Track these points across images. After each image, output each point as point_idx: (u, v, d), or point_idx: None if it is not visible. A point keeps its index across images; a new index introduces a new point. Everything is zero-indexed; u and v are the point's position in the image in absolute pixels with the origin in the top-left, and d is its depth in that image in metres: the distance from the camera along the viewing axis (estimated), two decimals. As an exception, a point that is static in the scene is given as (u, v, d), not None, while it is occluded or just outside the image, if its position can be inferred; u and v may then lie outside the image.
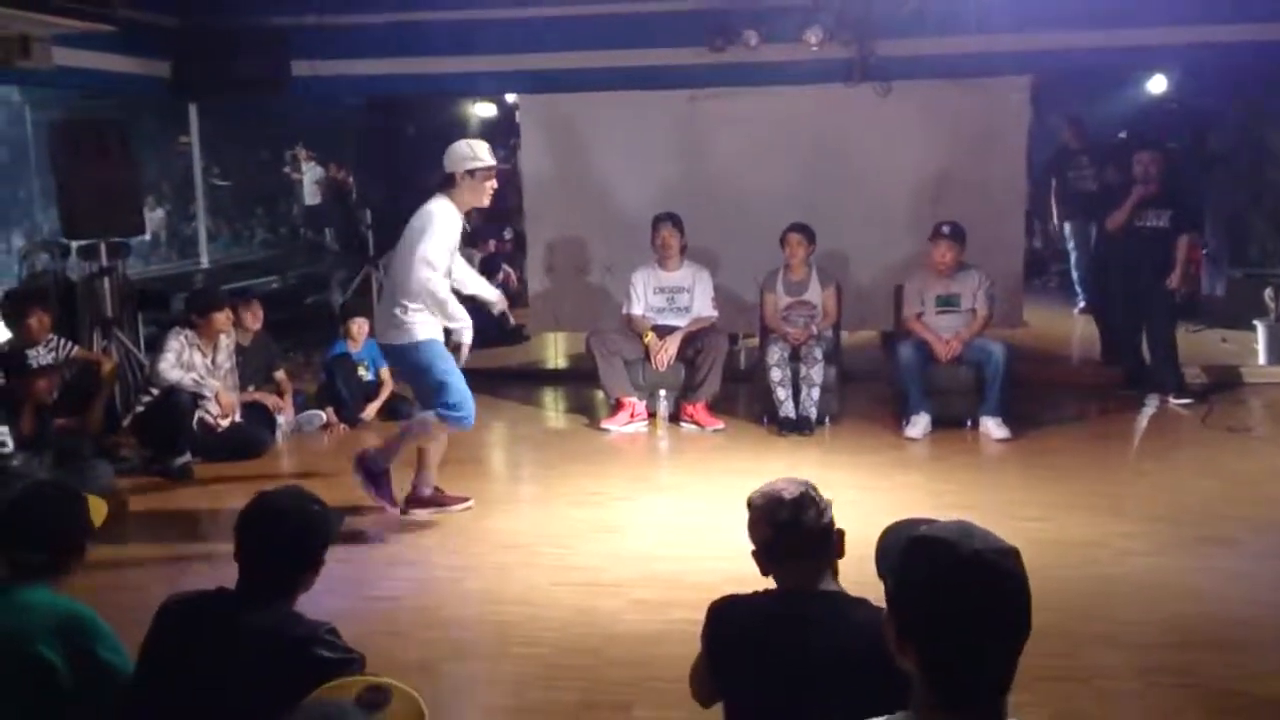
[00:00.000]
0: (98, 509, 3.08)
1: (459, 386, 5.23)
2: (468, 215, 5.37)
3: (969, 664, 1.62)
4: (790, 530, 2.46)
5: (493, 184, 5.26)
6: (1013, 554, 1.64)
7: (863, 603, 2.44)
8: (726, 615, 2.52)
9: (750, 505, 2.56)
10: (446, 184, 5.20)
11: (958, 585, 1.62)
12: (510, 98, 10.57)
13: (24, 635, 2.64)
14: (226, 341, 6.76)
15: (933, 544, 1.67)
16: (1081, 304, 10.18)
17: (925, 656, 1.64)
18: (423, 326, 5.16)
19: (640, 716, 3.52)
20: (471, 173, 5.16)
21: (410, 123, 11.56)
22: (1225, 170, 9.87)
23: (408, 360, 5.30)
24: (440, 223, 5.11)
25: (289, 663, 2.42)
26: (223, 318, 6.65)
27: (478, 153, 5.19)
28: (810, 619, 2.40)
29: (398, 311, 5.14)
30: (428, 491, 5.49)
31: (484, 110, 12.76)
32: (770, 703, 2.36)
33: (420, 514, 5.45)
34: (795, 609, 2.44)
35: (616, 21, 8.02)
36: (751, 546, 2.56)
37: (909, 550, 1.70)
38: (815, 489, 2.54)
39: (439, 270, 5.10)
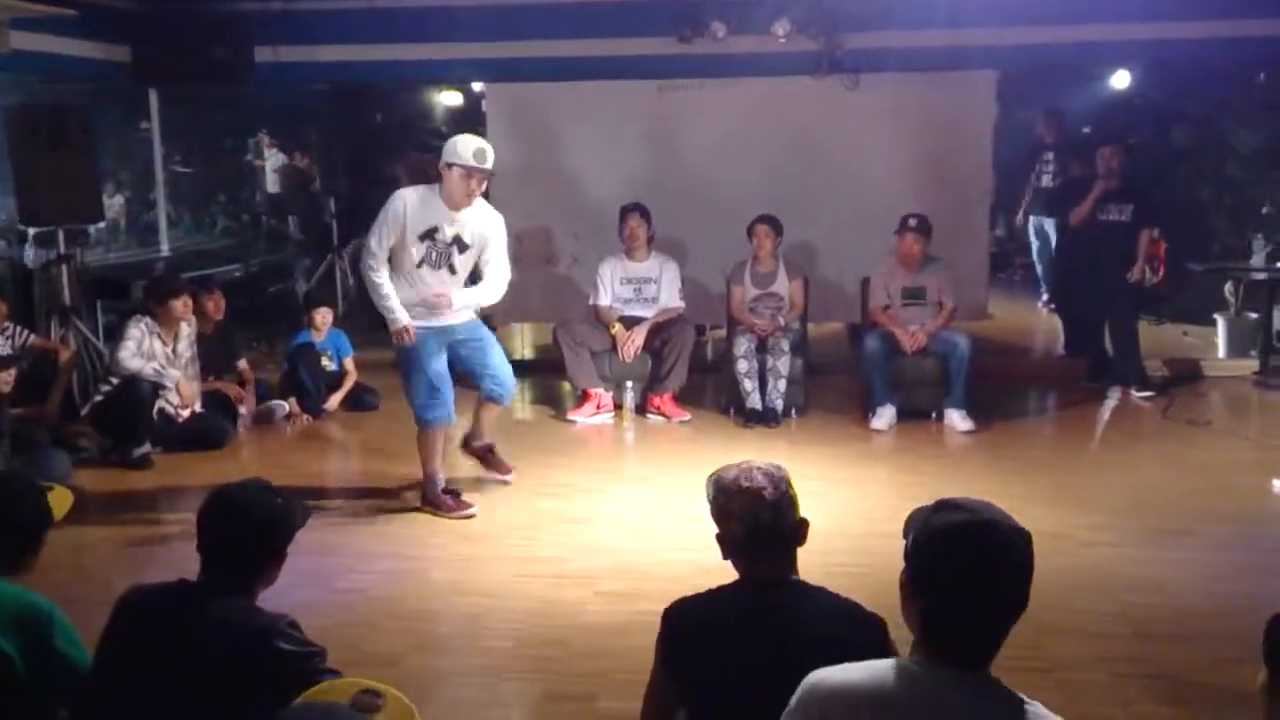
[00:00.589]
0: (64, 500, 3.04)
1: (423, 382, 5.24)
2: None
3: (967, 620, 1.82)
4: (769, 530, 2.44)
5: (470, 186, 5.09)
6: (1027, 536, 1.86)
7: (823, 591, 2.46)
8: (689, 618, 2.46)
9: (722, 491, 2.50)
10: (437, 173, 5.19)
11: (969, 542, 1.83)
12: (477, 86, 10.49)
13: (-19, 627, 2.61)
14: (187, 330, 6.66)
15: (956, 507, 1.89)
16: (1045, 298, 10.29)
17: (929, 609, 1.84)
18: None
19: (605, 707, 3.52)
20: (449, 166, 5.07)
21: (375, 111, 11.46)
22: (1189, 165, 9.97)
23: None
24: (398, 203, 5.12)
25: (249, 655, 2.40)
26: (180, 305, 6.54)
27: (460, 150, 5.06)
28: (782, 611, 2.39)
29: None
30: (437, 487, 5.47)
31: (450, 99, 12.64)
32: (742, 699, 2.31)
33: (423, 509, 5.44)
34: (765, 602, 2.41)
35: (585, 10, 7.98)
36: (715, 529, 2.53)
37: (934, 509, 1.92)
38: (789, 481, 2.51)
39: (378, 256, 5.12)
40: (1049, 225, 9.89)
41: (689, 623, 2.45)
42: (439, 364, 5.29)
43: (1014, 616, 1.84)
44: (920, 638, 1.87)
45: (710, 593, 2.48)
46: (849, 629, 2.36)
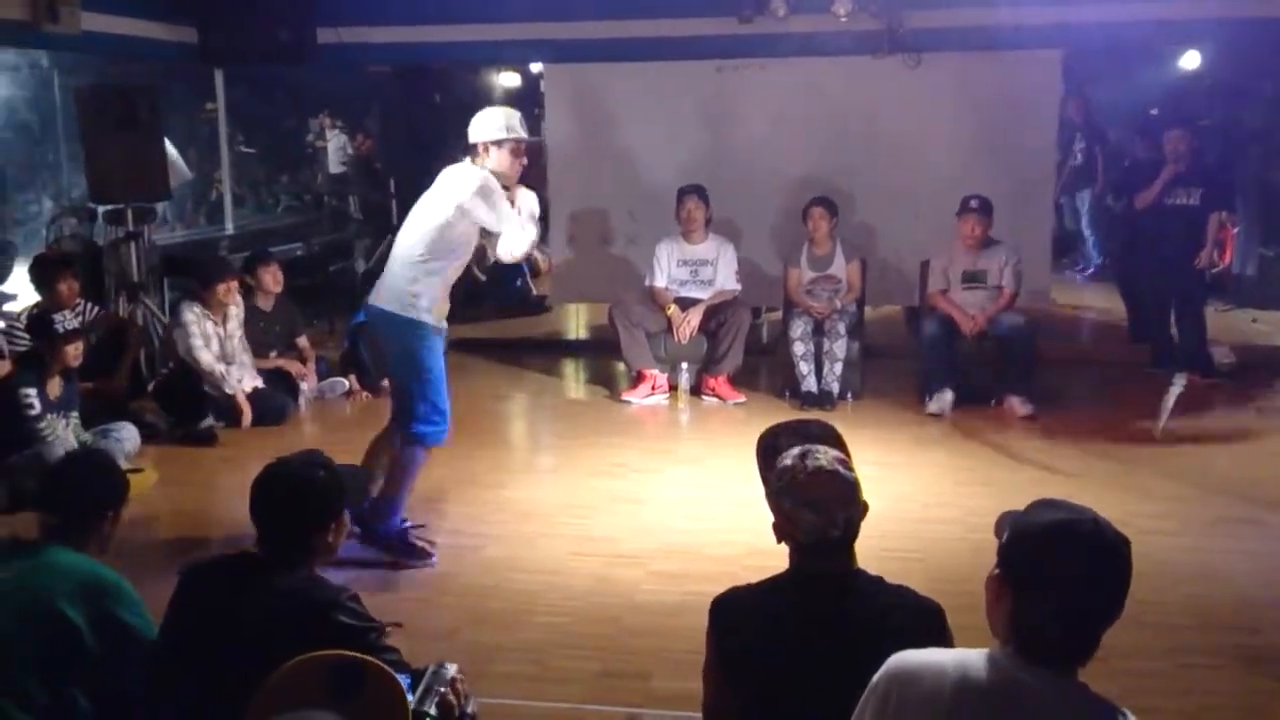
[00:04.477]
0: (147, 482, 3.15)
1: (436, 397, 4.57)
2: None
3: (1064, 620, 1.77)
4: (839, 540, 2.35)
5: (521, 160, 4.64)
6: (1128, 543, 1.81)
7: (882, 582, 2.39)
8: (738, 611, 2.39)
9: (788, 497, 2.34)
10: (470, 153, 4.63)
11: (1075, 541, 1.78)
12: (535, 67, 10.51)
13: (48, 594, 2.69)
14: (235, 311, 6.77)
15: (1058, 506, 1.85)
16: (1088, 269, 11.03)
17: (1024, 606, 1.79)
18: (428, 310, 4.52)
19: (659, 686, 3.54)
20: (498, 144, 4.56)
21: (435, 91, 11.52)
22: (1259, 148, 9.74)
23: (399, 338, 4.56)
24: (497, 188, 4.54)
25: (310, 627, 2.44)
26: (224, 289, 6.64)
27: (507, 122, 4.57)
28: (842, 606, 2.33)
29: (402, 283, 4.53)
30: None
31: (509, 80, 12.70)
32: (798, 695, 2.26)
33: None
34: (824, 597, 2.34)
35: (644, -10, 7.97)
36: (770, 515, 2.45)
37: (1035, 506, 1.87)
38: (855, 475, 2.39)
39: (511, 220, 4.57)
40: (1079, 200, 10.76)
41: (738, 617, 2.39)
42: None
43: (1110, 621, 1.80)
44: (1010, 635, 1.82)
45: (762, 586, 2.41)
46: (909, 620, 2.30)
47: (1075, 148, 10.51)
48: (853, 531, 2.36)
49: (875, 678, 1.88)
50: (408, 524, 4.67)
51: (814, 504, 2.32)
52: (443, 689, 2.09)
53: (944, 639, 2.29)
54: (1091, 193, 10.76)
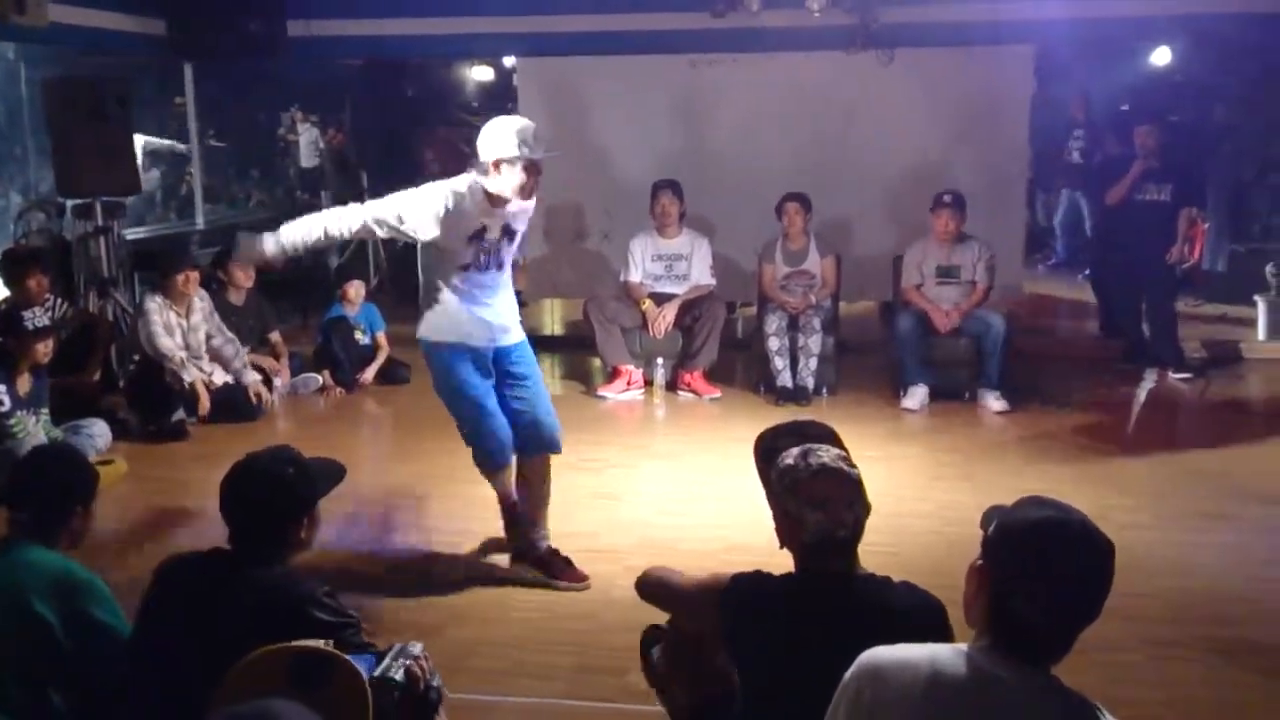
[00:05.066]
0: (117, 472, 3.11)
1: (471, 416, 4.28)
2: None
3: (1045, 616, 1.77)
4: (844, 541, 2.33)
5: (536, 180, 4.15)
6: (1113, 546, 1.82)
7: (888, 582, 2.37)
8: (750, 595, 2.36)
9: (793, 499, 2.32)
10: (479, 169, 4.15)
11: (1061, 540, 1.79)
12: (508, 61, 10.48)
13: (21, 592, 2.67)
14: (200, 305, 6.71)
15: (1046, 504, 1.85)
16: (1052, 260, 11.01)
17: (1005, 601, 1.78)
18: (434, 326, 4.22)
19: (636, 680, 3.50)
20: (510, 162, 4.06)
21: (407, 85, 11.47)
22: (1230, 144, 9.83)
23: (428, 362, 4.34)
24: (433, 202, 4.06)
25: (284, 623, 2.42)
26: (182, 279, 6.58)
27: (516, 139, 4.07)
28: (848, 605, 2.30)
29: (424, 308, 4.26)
30: (542, 546, 4.41)
31: (482, 73, 12.65)
32: (802, 691, 2.21)
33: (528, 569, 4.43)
34: (829, 596, 2.32)
35: (617, -16, 7.95)
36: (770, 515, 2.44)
37: (1023, 503, 1.87)
38: (862, 482, 2.37)
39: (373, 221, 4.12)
40: (1080, 198, 10.25)
41: (749, 600, 2.37)
42: (486, 388, 4.29)
43: (1089, 622, 1.80)
44: (988, 630, 1.82)
45: (772, 580, 2.38)
46: (915, 618, 2.29)
47: (1071, 144, 10.41)
48: (859, 531, 2.34)
49: (846, 676, 1.87)
50: (545, 544, 4.39)
51: (820, 504, 2.30)
52: (408, 661, 2.09)
53: (947, 636, 2.27)
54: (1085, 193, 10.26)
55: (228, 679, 2.11)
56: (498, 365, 4.31)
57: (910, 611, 2.31)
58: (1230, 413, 6.65)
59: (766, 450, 2.64)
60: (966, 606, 1.87)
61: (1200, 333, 8.09)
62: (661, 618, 2.89)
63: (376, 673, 2.06)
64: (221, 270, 7.17)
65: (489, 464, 4.38)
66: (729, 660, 2.40)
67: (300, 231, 4.15)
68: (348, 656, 2.15)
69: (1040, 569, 1.78)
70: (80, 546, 2.96)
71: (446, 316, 4.19)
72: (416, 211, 4.05)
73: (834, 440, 2.62)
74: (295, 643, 2.21)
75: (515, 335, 4.38)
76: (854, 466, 2.38)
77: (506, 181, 4.09)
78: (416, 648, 2.15)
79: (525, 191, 4.15)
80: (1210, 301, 9.17)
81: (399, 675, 2.05)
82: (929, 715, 1.77)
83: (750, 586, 2.38)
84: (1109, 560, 1.81)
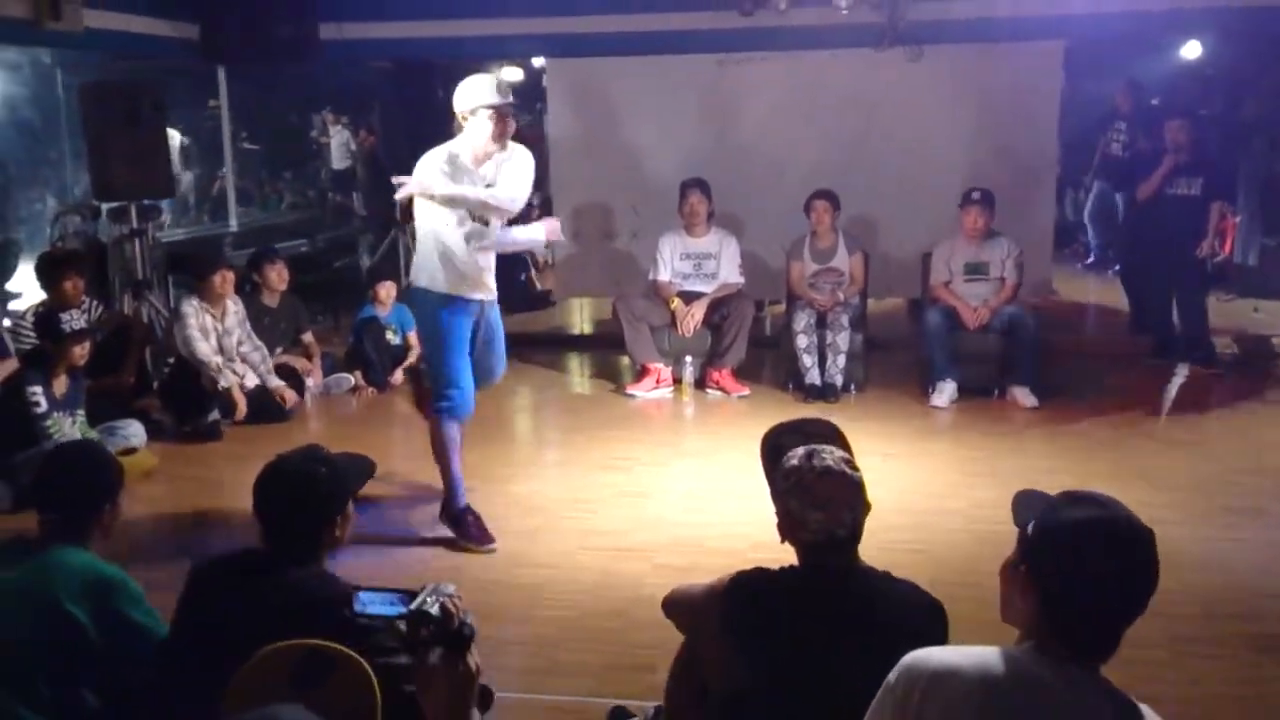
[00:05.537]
0: (146, 462, 3.12)
1: (454, 365, 4.58)
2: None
3: (1094, 616, 1.76)
4: (845, 538, 2.38)
5: (506, 126, 4.46)
6: (1153, 534, 1.78)
7: (888, 577, 2.43)
8: (750, 591, 2.41)
9: (795, 499, 2.37)
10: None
11: (1106, 543, 1.75)
12: (537, 62, 10.52)
13: (53, 593, 2.69)
14: (234, 308, 6.78)
15: (1087, 501, 1.81)
16: (1090, 259, 10.87)
17: (1051, 600, 1.77)
18: (431, 276, 4.55)
19: (664, 679, 3.54)
20: (473, 112, 4.45)
21: (438, 86, 11.52)
22: (1261, 138, 9.73)
23: (414, 308, 4.83)
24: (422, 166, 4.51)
25: (317, 625, 2.44)
26: (219, 279, 6.66)
27: (481, 92, 4.45)
28: (846, 599, 2.35)
29: (415, 257, 4.66)
30: (461, 502, 4.77)
31: (511, 74, 12.70)
32: (804, 683, 2.28)
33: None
34: (828, 590, 2.37)
35: (646, -15, 7.97)
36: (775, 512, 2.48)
37: (1063, 503, 1.83)
38: (863, 484, 2.41)
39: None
40: (1112, 192, 10.05)
41: (750, 595, 2.42)
42: (467, 342, 4.68)
43: (1135, 617, 1.79)
44: (1034, 632, 1.80)
45: (780, 572, 2.43)
46: (911, 615, 2.34)
47: (1112, 136, 10.16)
48: (858, 531, 2.39)
49: (891, 678, 1.85)
50: (465, 506, 4.75)
51: (822, 505, 2.34)
52: (443, 598, 2.11)
53: (943, 635, 2.32)
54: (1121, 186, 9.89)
55: (234, 680, 2.14)
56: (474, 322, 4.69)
57: (907, 607, 2.36)
58: (1262, 407, 6.59)
59: (771, 449, 2.69)
60: (1004, 605, 1.86)
61: (1232, 327, 8.02)
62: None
63: (412, 606, 2.08)
64: (256, 273, 7.26)
65: (459, 412, 4.64)
66: (729, 658, 2.42)
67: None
68: (383, 597, 2.16)
69: (1087, 573, 1.75)
70: (111, 539, 2.98)
71: (444, 268, 4.53)
72: (430, 173, 4.46)
73: (838, 439, 2.65)
74: (297, 641, 2.22)
75: (493, 295, 4.75)
76: (856, 469, 2.42)
77: (479, 130, 4.45)
78: (450, 587, 2.16)
79: (496, 136, 4.46)
80: (1242, 296, 9.09)
81: (435, 610, 2.07)
82: None
83: (751, 582, 2.43)
84: (1154, 552, 1.78)
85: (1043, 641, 1.78)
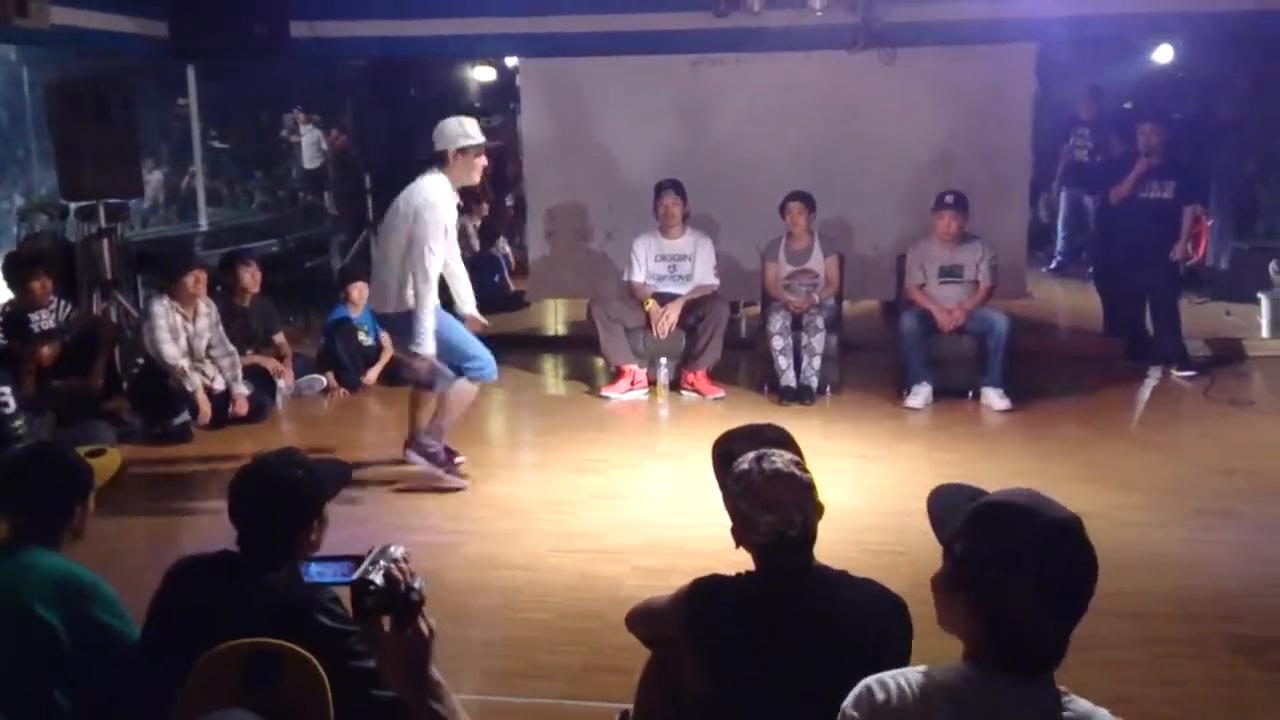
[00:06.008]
0: (113, 461, 3.07)
1: (469, 339, 5.32)
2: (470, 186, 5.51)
3: (1036, 621, 1.64)
4: (796, 539, 2.37)
5: (483, 161, 5.28)
6: (1080, 522, 1.67)
7: (845, 576, 2.43)
8: (711, 598, 2.41)
9: (746, 502, 2.38)
10: (439, 161, 5.19)
11: (1042, 552, 1.64)
12: (511, 61, 10.48)
13: (22, 596, 2.65)
14: (205, 309, 6.67)
15: (1011, 510, 1.69)
16: (1054, 264, 10.83)
17: (985, 610, 1.65)
18: (415, 297, 5.12)
19: (642, 682, 3.53)
20: (464, 150, 5.15)
21: (410, 85, 11.47)
22: (1233, 141, 9.82)
23: (406, 330, 5.23)
24: (438, 206, 5.09)
25: (290, 627, 2.41)
26: (191, 280, 6.56)
27: (469, 130, 5.19)
28: (805, 599, 2.35)
29: (393, 283, 5.17)
30: (436, 447, 5.38)
31: (484, 74, 12.66)
32: (766, 687, 2.27)
33: (416, 463, 5.38)
34: (787, 592, 2.37)
35: (619, -15, 7.94)
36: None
37: (984, 515, 1.71)
38: (811, 477, 2.40)
39: (439, 256, 5.13)
40: (1083, 197, 10.07)
41: (710, 601, 2.41)
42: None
43: (1081, 615, 1.67)
44: (980, 646, 1.68)
45: (738, 578, 2.43)
46: (872, 613, 2.35)
47: (1076, 143, 10.30)
48: (810, 532, 2.38)
49: (845, 705, 1.72)
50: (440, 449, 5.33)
51: (772, 507, 2.35)
52: (389, 564, 2.07)
53: (907, 630, 2.33)
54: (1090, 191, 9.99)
55: (185, 682, 2.10)
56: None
57: (867, 605, 2.36)
58: (1234, 410, 6.64)
59: (723, 454, 2.70)
60: (945, 622, 1.73)
61: (1204, 330, 8.08)
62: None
63: (355, 575, 2.04)
64: (229, 274, 7.18)
65: (486, 372, 5.34)
66: (695, 666, 2.42)
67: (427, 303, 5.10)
68: (333, 568, 2.14)
69: (1027, 589, 1.63)
70: (83, 540, 2.93)
71: (431, 286, 5.11)
72: (442, 215, 5.11)
73: (789, 444, 2.65)
74: (244, 640, 2.21)
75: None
76: (806, 471, 2.43)
77: (468, 166, 5.18)
78: (398, 550, 2.11)
79: (480, 172, 5.29)
80: (1214, 299, 9.16)
81: (378, 578, 2.03)
82: None
83: (709, 589, 2.44)
84: (1088, 545, 1.66)
85: (993, 656, 1.67)
